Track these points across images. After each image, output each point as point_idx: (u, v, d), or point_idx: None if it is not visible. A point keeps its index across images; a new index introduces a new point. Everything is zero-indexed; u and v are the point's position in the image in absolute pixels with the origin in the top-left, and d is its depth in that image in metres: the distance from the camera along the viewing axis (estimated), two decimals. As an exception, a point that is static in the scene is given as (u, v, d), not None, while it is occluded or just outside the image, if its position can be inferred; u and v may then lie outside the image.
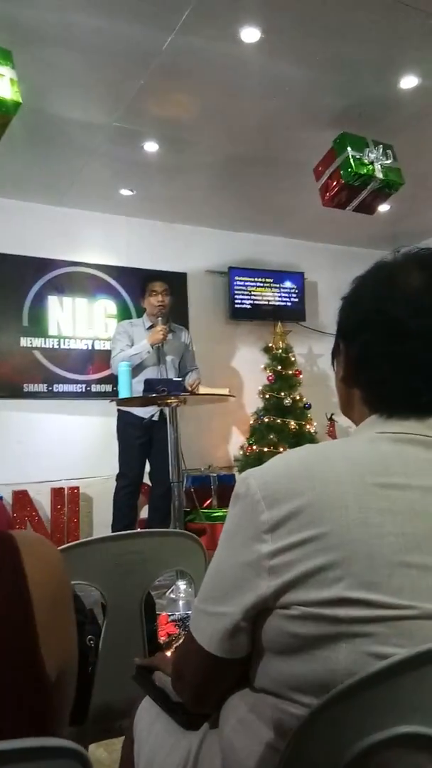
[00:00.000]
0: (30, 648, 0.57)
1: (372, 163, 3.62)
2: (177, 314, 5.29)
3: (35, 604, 0.59)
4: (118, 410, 4.03)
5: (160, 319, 3.97)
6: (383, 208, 4.42)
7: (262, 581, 0.72)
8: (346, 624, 0.67)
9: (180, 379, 3.48)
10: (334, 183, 3.69)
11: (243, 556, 0.74)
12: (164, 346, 3.96)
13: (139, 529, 3.63)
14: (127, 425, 4.01)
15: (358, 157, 3.60)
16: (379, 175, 3.62)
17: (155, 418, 3.94)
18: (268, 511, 0.73)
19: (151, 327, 4.05)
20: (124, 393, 3.47)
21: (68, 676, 0.66)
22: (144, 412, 3.93)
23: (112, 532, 3.80)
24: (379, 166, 3.61)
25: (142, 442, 3.98)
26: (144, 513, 4.32)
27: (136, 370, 3.82)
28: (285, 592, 0.70)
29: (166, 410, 3.84)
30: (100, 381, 4.90)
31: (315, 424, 5.22)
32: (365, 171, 3.61)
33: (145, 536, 1.47)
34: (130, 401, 3.63)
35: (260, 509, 0.73)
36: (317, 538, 0.69)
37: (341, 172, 3.62)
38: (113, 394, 4.44)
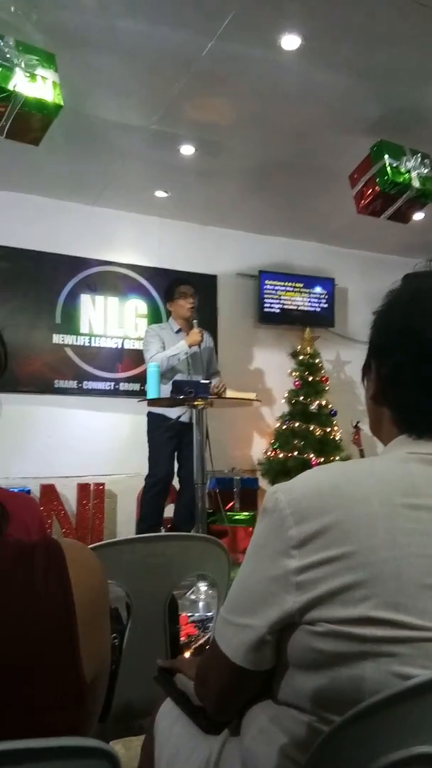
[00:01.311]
0: (71, 652, 0.60)
1: (409, 171, 3.59)
2: (206, 317, 5.31)
3: (78, 611, 0.61)
4: (149, 411, 4.06)
5: (195, 321, 3.99)
6: (418, 216, 4.38)
7: (288, 596, 0.73)
8: (371, 643, 0.68)
9: (208, 381, 3.49)
10: (370, 191, 3.67)
11: (270, 570, 0.75)
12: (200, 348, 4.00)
13: (165, 532, 3.65)
14: (157, 426, 4.04)
15: (395, 165, 3.58)
16: (416, 184, 3.59)
17: (185, 419, 3.95)
18: (297, 527, 0.73)
19: (179, 330, 4.07)
20: (152, 393, 3.50)
21: (102, 680, 0.69)
22: (174, 413, 3.96)
23: (137, 531, 3.83)
24: (416, 174, 3.58)
25: (171, 443, 4.01)
26: (167, 512, 4.35)
27: (169, 373, 3.85)
28: (311, 609, 0.71)
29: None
30: (128, 380, 4.95)
31: (340, 431, 5.20)
32: (402, 180, 3.58)
33: (171, 539, 1.49)
34: (158, 402, 3.67)
35: (288, 524, 0.74)
36: (344, 556, 0.70)
37: (377, 180, 3.60)
38: (141, 393, 4.48)
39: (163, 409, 3.91)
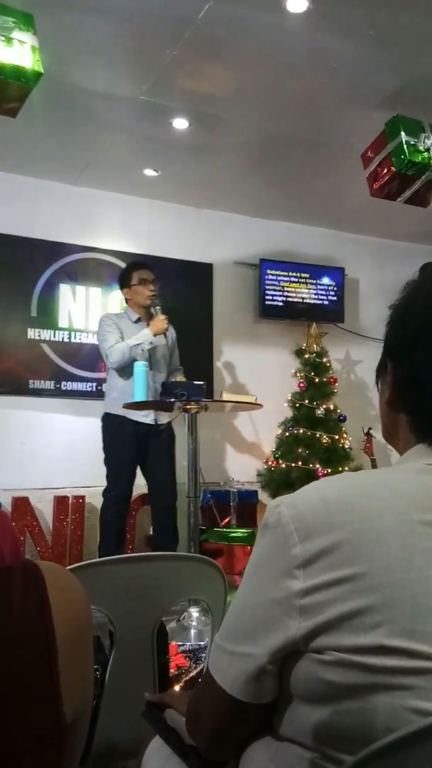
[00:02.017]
0: (51, 687, 0.60)
1: (428, 150, 3.61)
2: (200, 309, 5.34)
3: (59, 641, 0.61)
4: (106, 414, 4.02)
5: (158, 308, 4.00)
6: (438, 199, 4.40)
7: (291, 621, 0.73)
8: (384, 674, 0.68)
9: (202, 383, 3.50)
10: (385, 171, 3.69)
11: (271, 593, 0.75)
12: (166, 337, 4.02)
13: (151, 552, 3.65)
14: (116, 432, 3.97)
15: (412, 143, 3.60)
16: (436, 163, 3.61)
17: (150, 421, 3.94)
18: (301, 545, 0.74)
19: (138, 320, 4.07)
20: (140, 395, 3.50)
21: (83, 719, 0.68)
22: (137, 416, 3.93)
23: (100, 555, 3.83)
24: (436, 153, 3.60)
25: (134, 450, 3.96)
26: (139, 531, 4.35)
27: (129, 368, 3.85)
28: (317, 635, 0.71)
29: (162, 415, 3.90)
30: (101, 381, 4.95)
31: (350, 439, 5.21)
32: (420, 159, 3.60)
33: (160, 560, 1.49)
34: (145, 405, 3.67)
35: (292, 542, 0.74)
36: (354, 577, 0.71)
37: (393, 159, 3.62)
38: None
39: (124, 410, 3.89)
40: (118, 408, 3.87)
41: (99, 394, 4.91)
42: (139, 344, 3.88)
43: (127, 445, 3.94)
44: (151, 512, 4.24)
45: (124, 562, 1.43)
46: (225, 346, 5.42)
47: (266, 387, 5.40)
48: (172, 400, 3.37)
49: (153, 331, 3.92)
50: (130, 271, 4.14)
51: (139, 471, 4.07)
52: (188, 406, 3.39)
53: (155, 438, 3.94)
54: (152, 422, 3.94)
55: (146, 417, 3.94)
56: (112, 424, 4.00)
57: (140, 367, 3.64)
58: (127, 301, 4.19)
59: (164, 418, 3.91)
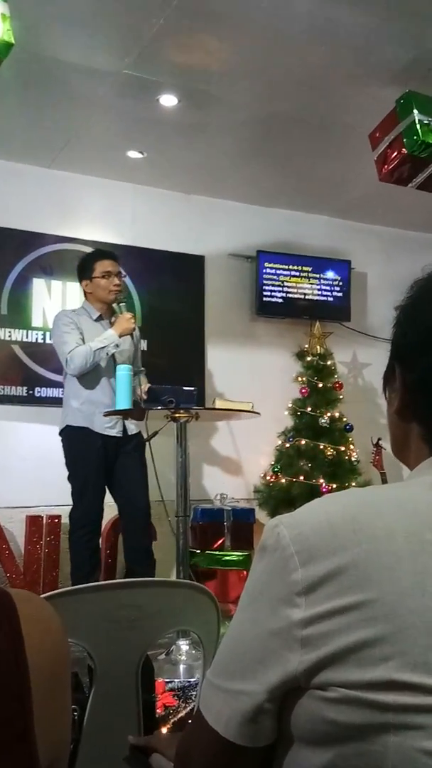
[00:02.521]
0: (24, 727, 0.59)
1: (443, 130, 3.63)
2: (191, 307, 5.35)
3: (33, 678, 0.61)
4: (67, 428, 3.98)
5: (122, 305, 3.99)
6: (454, 185, 4.43)
7: (292, 654, 0.73)
8: (395, 713, 0.68)
9: (193, 389, 3.51)
10: (395, 153, 3.71)
11: (269, 623, 0.75)
12: (132, 338, 4.03)
13: (139, 578, 3.63)
14: (81, 445, 3.94)
15: (426, 122, 3.62)
16: (452, 145, 3.64)
17: (116, 432, 3.93)
18: (303, 569, 0.74)
19: (100, 318, 4.05)
20: (123, 403, 3.51)
21: (60, 764, 0.68)
22: (101, 426, 3.90)
23: (73, 583, 3.82)
24: (452, 134, 3.63)
25: (101, 466, 3.93)
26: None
27: (92, 374, 3.87)
28: (320, 670, 0.72)
29: (132, 424, 3.91)
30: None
31: (357, 450, 5.23)
32: (434, 140, 3.62)
33: (145, 587, 1.49)
34: (127, 414, 3.68)
35: (293, 566, 0.75)
36: (362, 605, 0.71)
37: (404, 140, 3.64)
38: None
39: (86, 419, 3.89)
40: (81, 419, 3.87)
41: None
42: (103, 347, 3.85)
43: (94, 459, 3.91)
44: (122, 533, 4.23)
45: (106, 589, 1.43)
46: (218, 348, 5.43)
47: (264, 393, 5.41)
48: (160, 407, 3.38)
49: (118, 331, 3.89)
50: (92, 260, 4.08)
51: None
52: (177, 415, 3.39)
53: (124, 450, 3.94)
54: (119, 434, 3.92)
55: (112, 428, 3.92)
56: (74, 438, 3.96)
57: (123, 371, 3.65)
58: (86, 295, 4.12)
59: (134, 428, 3.92)
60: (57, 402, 4.85)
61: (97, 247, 5.00)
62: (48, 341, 4.89)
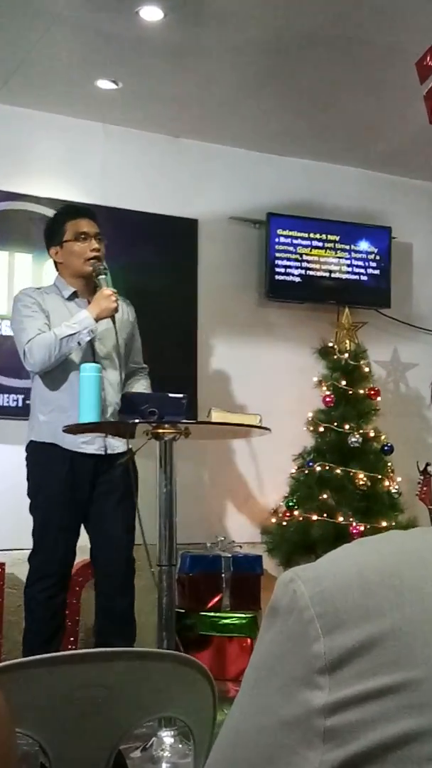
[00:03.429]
0: None
1: None
2: (179, 287, 5.34)
3: None
4: (31, 443, 3.99)
5: (102, 277, 3.92)
6: None
7: (311, 753, 0.73)
8: None
9: (182, 396, 3.51)
10: (450, 86, 3.72)
11: (282, 710, 0.75)
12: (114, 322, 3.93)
13: (109, 648, 3.63)
14: (45, 468, 3.93)
15: None
16: None
17: (96, 450, 3.90)
18: (327, 639, 0.74)
19: (74, 296, 4.02)
20: (88, 414, 3.50)
21: None
22: (73, 441, 3.86)
23: (25, 652, 3.81)
24: None
25: (70, 495, 3.90)
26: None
27: (60, 372, 3.85)
28: (349, 774, 0.72)
29: (116, 440, 3.87)
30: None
31: (399, 479, 5.23)
32: None
33: (118, 659, 1.49)
34: (94, 428, 3.66)
35: (313, 635, 0.74)
36: (404, 687, 0.71)
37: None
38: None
39: (52, 433, 3.87)
40: (47, 432, 3.84)
41: (27, 411, 4.89)
42: (72, 334, 3.79)
43: (61, 486, 3.89)
44: (94, 586, 4.22)
45: (64, 663, 1.43)
46: (216, 342, 5.42)
47: (276, 402, 5.41)
48: (137, 420, 3.37)
49: (95, 313, 3.83)
50: (62, 220, 4.05)
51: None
52: (161, 431, 3.39)
53: (104, 473, 3.91)
54: (99, 452, 3.90)
55: (89, 444, 3.90)
56: (38, 457, 3.97)
57: (89, 372, 3.62)
58: (57, 267, 4.12)
59: (120, 445, 3.86)
60: (5, 412, 4.86)
61: (57, 207, 4.99)
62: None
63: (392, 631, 0.72)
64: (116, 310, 3.87)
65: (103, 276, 3.93)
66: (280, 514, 5.20)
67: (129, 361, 4.11)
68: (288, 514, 5.15)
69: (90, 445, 3.88)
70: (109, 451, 3.89)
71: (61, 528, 3.92)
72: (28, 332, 3.85)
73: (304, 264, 5.65)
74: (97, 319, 3.84)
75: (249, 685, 0.80)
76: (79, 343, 3.82)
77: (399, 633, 0.72)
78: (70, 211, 4.18)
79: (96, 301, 3.87)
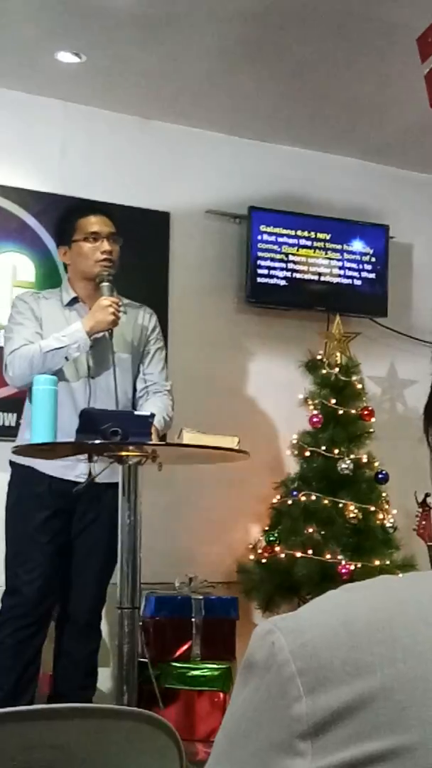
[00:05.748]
0: None
1: None
2: (148, 288, 5.34)
3: None
4: (14, 466, 4.04)
5: (104, 285, 3.96)
6: None
7: None
8: None
9: (149, 414, 3.51)
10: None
11: (258, 783, 0.76)
12: (112, 336, 3.93)
13: (59, 704, 3.62)
14: (23, 495, 4.00)
15: None
16: None
17: (77, 478, 3.90)
18: (309, 699, 0.74)
19: (74, 301, 4.07)
20: (41, 435, 3.49)
21: None
22: (63, 470, 3.91)
23: None
24: None
25: (48, 525, 3.96)
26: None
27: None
28: None
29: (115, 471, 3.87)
30: (3, 406, 4.94)
31: (394, 511, 5.25)
32: None
33: (72, 717, 1.49)
34: (46, 452, 3.65)
35: (294, 693, 0.74)
36: (397, 754, 0.71)
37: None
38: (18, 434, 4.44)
39: (36, 461, 3.86)
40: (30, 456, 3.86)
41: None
42: (59, 348, 3.83)
43: (38, 516, 3.94)
44: (54, 632, 4.21)
45: (10, 720, 1.43)
46: (188, 352, 5.41)
47: (256, 422, 5.42)
48: (97, 441, 3.36)
49: (88, 326, 3.86)
50: (72, 217, 4.14)
51: None
52: (124, 453, 3.38)
53: (86, 503, 3.92)
54: (79, 479, 3.90)
55: (70, 470, 3.91)
56: (16, 482, 4.05)
57: (43, 385, 3.61)
58: (66, 269, 4.21)
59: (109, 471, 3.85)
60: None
61: (9, 197, 5.00)
62: None
63: (383, 690, 0.72)
64: (114, 323, 3.88)
65: (106, 283, 3.95)
66: (260, 550, 5.19)
67: (145, 379, 4.14)
68: (268, 550, 5.13)
69: (72, 471, 3.91)
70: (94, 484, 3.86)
71: (38, 562, 3.95)
72: (13, 342, 3.92)
73: (290, 265, 5.66)
74: (90, 333, 3.85)
75: (221, 750, 0.80)
76: (66, 358, 3.84)
77: (390, 692, 0.72)
78: (82, 207, 4.27)
79: (92, 312, 3.91)
